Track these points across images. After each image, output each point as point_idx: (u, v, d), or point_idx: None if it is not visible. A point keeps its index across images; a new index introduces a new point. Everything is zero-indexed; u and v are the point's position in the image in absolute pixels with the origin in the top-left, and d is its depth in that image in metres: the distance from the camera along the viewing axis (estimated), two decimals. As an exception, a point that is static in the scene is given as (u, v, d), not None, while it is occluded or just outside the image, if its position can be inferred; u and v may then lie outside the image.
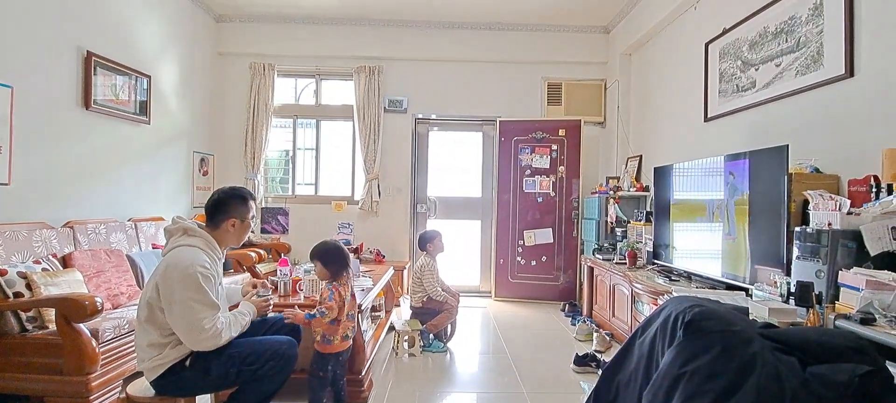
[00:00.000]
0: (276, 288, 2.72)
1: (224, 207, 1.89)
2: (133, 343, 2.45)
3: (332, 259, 2.15)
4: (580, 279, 4.56)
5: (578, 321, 3.82)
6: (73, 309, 2.14)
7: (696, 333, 1.02)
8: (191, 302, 1.65)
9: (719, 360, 0.94)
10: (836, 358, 0.96)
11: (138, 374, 2.50)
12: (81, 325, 2.19)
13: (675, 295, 1.72)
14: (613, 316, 3.51)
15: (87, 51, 3.14)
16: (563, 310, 4.31)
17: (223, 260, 1.92)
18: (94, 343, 2.21)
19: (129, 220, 3.40)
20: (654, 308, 2.26)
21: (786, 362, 0.95)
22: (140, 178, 3.70)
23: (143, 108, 3.68)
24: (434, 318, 3.25)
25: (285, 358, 1.83)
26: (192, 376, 1.72)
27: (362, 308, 2.46)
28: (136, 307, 1.77)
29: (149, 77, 3.69)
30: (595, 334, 3.36)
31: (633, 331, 1.32)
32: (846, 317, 1.40)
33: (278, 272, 2.80)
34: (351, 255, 2.67)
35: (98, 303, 2.20)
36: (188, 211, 4.33)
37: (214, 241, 1.85)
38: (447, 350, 3.22)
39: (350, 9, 4.59)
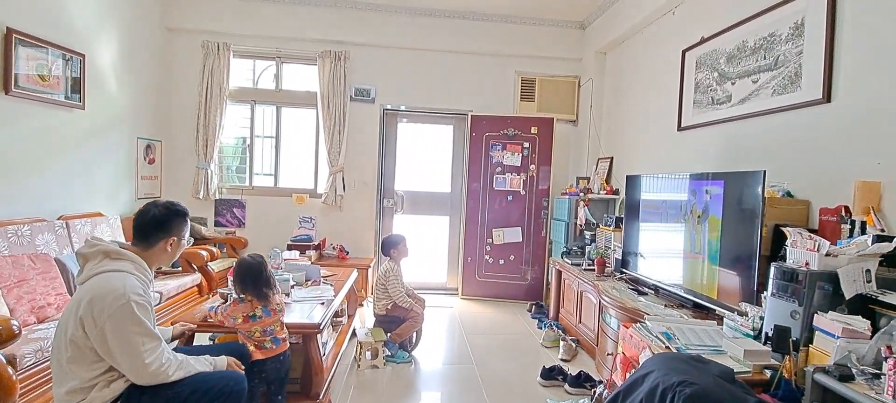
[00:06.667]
0: (226, 300, 2.51)
1: (166, 225, 1.68)
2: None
3: (236, 274, 2.09)
4: (548, 279, 4.53)
5: (545, 325, 3.79)
6: (-21, 337, 1.86)
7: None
8: (128, 335, 1.45)
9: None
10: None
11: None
12: (-7, 353, 1.92)
13: (657, 352, 1.65)
14: (580, 321, 3.49)
15: (7, 27, 2.73)
16: (530, 311, 4.28)
17: (153, 283, 1.71)
18: (10, 371, 1.94)
19: (58, 219, 3.05)
20: (626, 330, 2.21)
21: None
22: (73, 170, 3.32)
23: (76, 91, 3.28)
24: (399, 327, 3.12)
25: (232, 397, 1.65)
26: (123, 423, 1.52)
27: (321, 327, 2.29)
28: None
29: (83, 56, 3.28)
30: (561, 342, 3.33)
31: (612, 393, 1.24)
32: (824, 371, 1.36)
33: (230, 282, 2.58)
34: (308, 263, 2.49)
35: (14, 327, 1.94)
36: (132, 204, 3.97)
37: (144, 263, 1.62)
38: (412, 360, 3.11)
39: (314, -12, 4.26)
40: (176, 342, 2.05)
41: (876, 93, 1.97)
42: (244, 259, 2.10)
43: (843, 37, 2.12)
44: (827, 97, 2.17)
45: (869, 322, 1.50)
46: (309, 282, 2.95)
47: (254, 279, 2.05)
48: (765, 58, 2.55)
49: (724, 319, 1.98)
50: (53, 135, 3.14)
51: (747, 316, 1.94)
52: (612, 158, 4.28)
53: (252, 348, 2.05)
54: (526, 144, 4.55)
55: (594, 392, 2.51)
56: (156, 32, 4.24)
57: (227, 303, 2.12)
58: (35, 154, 3.00)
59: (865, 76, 2.02)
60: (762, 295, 1.95)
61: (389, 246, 3.27)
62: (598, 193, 4.16)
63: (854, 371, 1.35)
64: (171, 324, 2.11)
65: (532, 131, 4.53)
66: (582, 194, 4.16)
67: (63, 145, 3.22)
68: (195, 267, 3.72)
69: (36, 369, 2.13)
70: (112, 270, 1.53)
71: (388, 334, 3.10)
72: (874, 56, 1.98)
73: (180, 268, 3.69)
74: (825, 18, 2.18)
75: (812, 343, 1.57)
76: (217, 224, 4.56)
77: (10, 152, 2.83)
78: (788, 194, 2.31)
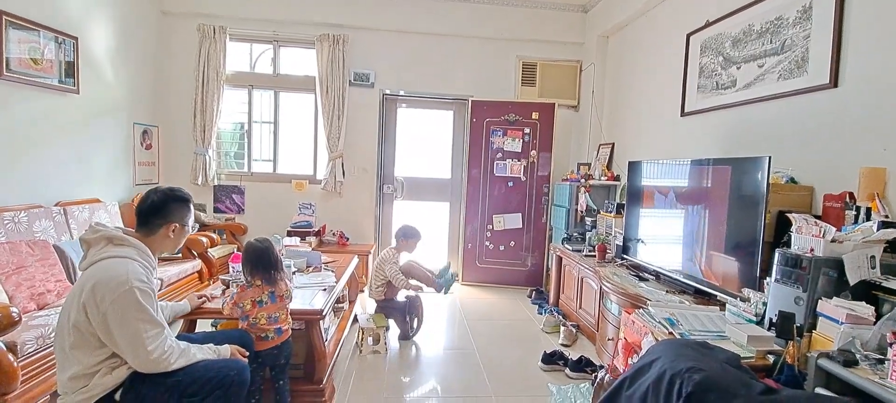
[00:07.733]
0: (228, 287, 2.50)
1: (164, 211, 1.66)
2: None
3: (245, 258, 2.07)
4: (548, 265, 4.54)
5: (545, 311, 3.81)
6: (-22, 324, 1.85)
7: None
8: (131, 322, 1.45)
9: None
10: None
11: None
12: (-6, 340, 1.91)
13: (660, 338, 1.65)
14: (580, 307, 3.51)
15: (-2, 8, 2.68)
16: (530, 297, 4.29)
17: (157, 271, 1.70)
18: (11, 357, 1.94)
19: (56, 205, 3.03)
20: (628, 315, 2.21)
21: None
22: (69, 156, 3.28)
23: (70, 75, 3.22)
24: (416, 288, 3.28)
25: (234, 386, 1.64)
26: (124, 410, 1.52)
27: (324, 314, 2.29)
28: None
29: (75, 39, 3.22)
30: (562, 328, 3.34)
31: (618, 379, 1.24)
32: (829, 356, 1.36)
33: (231, 269, 2.58)
34: (309, 249, 2.48)
35: (14, 314, 1.93)
36: (129, 190, 3.94)
37: (147, 250, 1.61)
38: (456, 276, 3.42)
39: (312, -31, 4.17)
40: (179, 327, 2.04)
41: (884, 79, 1.94)
42: (251, 243, 2.09)
43: (852, 21, 2.09)
44: (834, 82, 2.15)
45: (873, 308, 1.49)
46: (310, 269, 2.94)
47: (263, 262, 2.04)
48: (771, 42, 2.51)
49: (727, 305, 1.99)
50: (48, 120, 3.09)
51: (750, 301, 1.95)
52: (613, 144, 4.26)
53: (254, 339, 2.03)
54: (527, 130, 4.52)
55: (595, 376, 2.52)
56: (150, 15, 4.16)
57: (233, 291, 2.09)
58: (30, 139, 2.96)
59: (874, 61, 1.99)
60: (765, 282, 1.95)
61: (401, 236, 3.29)
62: (599, 179, 4.14)
63: (858, 356, 1.35)
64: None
65: (533, 117, 4.50)
66: (583, 180, 4.15)
67: (58, 130, 3.18)
68: (195, 253, 3.70)
69: (37, 356, 2.13)
70: (115, 256, 1.52)
71: (392, 319, 3.14)
72: (883, 41, 1.95)
73: (181, 255, 3.67)
74: (834, 1, 2.14)
75: (816, 329, 1.57)
76: (216, 210, 4.53)
77: (3, 137, 2.79)
78: (792, 180, 2.30)
